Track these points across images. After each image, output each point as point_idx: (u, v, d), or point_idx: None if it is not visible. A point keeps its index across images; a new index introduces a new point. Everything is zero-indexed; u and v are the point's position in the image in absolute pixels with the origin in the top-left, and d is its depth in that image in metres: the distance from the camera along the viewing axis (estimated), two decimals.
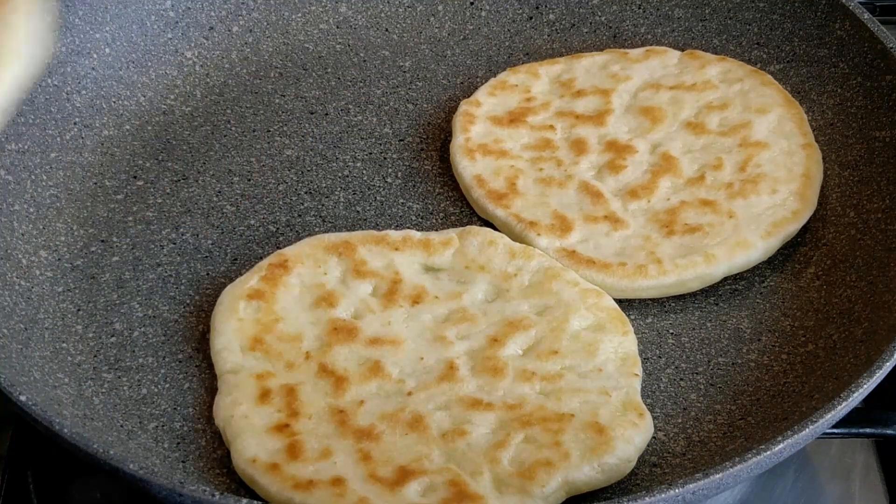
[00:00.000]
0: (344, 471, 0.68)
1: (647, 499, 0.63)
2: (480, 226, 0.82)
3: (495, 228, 0.83)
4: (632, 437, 0.70)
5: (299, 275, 0.78)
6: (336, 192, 0.86)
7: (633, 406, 0.71)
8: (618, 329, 0.75)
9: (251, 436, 0.69)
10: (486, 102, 0.90)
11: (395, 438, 0.69)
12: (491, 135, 0.88)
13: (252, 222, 0.85)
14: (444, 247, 0.80)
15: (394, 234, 0.80)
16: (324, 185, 0.87)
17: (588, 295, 0.77)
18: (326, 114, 0.91)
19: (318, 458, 0.68)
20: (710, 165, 0.85)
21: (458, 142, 0.87)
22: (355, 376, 0.72)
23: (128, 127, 0.90)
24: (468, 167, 0.86)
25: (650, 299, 0.80)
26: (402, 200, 0.86)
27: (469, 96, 0.91)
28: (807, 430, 0.66)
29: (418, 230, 0.81)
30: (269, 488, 0.67)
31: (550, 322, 0.75)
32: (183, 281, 0.81)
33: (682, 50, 0.94)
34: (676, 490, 0.64)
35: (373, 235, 0.81)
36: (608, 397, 0.72)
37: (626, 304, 0.79)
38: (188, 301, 0.79)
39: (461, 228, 0.81)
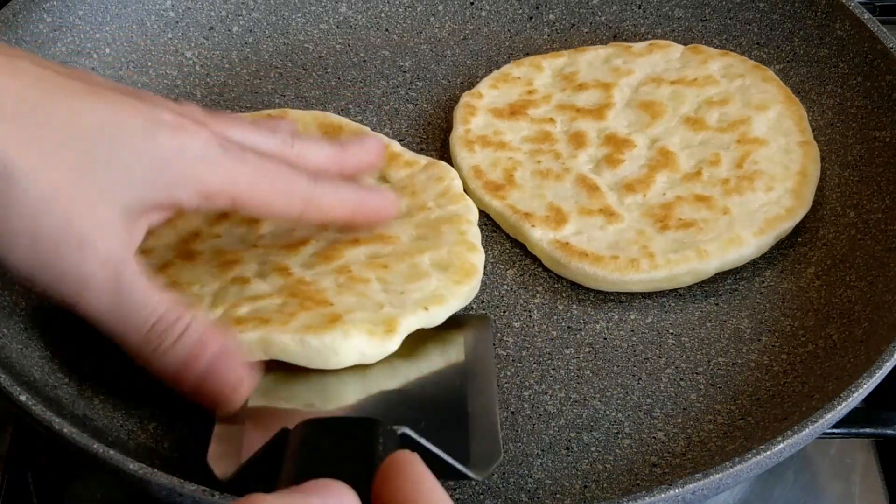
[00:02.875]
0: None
1: (647, 499, 0.63)
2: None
3: (492, 219, 0.83)
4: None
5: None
6: None
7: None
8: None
9: None
10: (488, 94, 0.91)
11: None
12: (491, 127, 0.88)
13: None
14: (406, 166, 0.82)
15: (381, 139, 0.83)
16: None
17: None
18: None
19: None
20: (707, 161, 0.85)
21: (457, 133, 0.88)
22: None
23: None
24: (466, 158, 0.86)
25: (650, 299, 0.80)
26: None
27: None
28: (807, 430, 0.66)
29: None
30: None
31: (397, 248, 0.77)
32: None
33: None
34: (676, 490, 0.64)
35: (360, 130, 0.84)
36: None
37: (626, 303, 0.79)
38: None
39: (434, 161, 0.82)
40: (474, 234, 0.78)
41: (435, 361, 0.72)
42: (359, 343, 0.69)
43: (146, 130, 0.64)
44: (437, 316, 0.73)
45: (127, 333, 0.65)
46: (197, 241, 0.77)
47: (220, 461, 0.65)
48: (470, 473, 0.63)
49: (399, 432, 0.59)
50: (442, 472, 0.60)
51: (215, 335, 0.66)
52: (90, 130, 0.63)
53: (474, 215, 0.79)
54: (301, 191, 0.69)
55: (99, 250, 0.63)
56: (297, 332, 0.69)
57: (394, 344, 0.70)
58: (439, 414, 0.68)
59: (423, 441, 0.60)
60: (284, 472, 0.55)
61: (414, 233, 0.77)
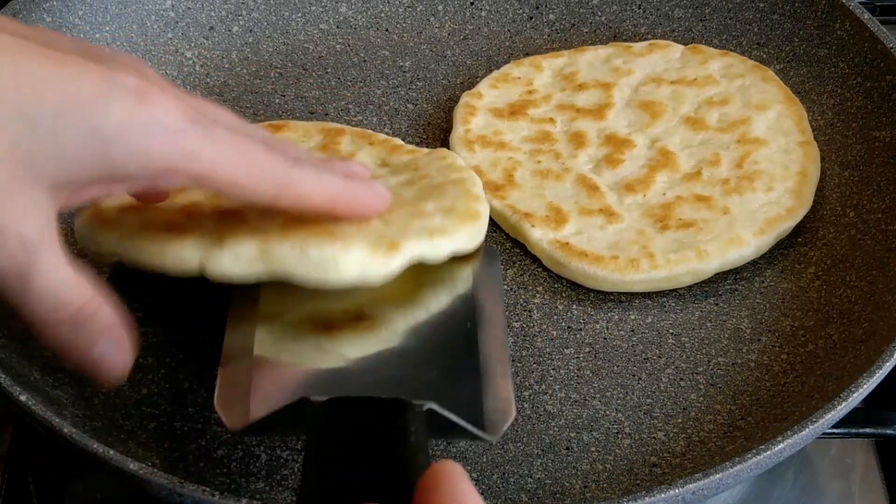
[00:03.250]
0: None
1: (647, 499, 0.63)
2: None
3: (492, 219, 0.83)
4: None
5: (284, 137, 0.83)
6: None
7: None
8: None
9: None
10: (488, 94, 0.91)
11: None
12: (491, 127, 0.88)
13: None
14: (409, 154, 0.81)
15: (379, 136, 0.83)
16: None
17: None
18: (326, 114, 0.91)
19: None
20: (707, 161, 0.85)
21: (457, 133, 0.88)
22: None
23: None
24: (466, 158, 0.86)
25: (650, 299, 0.80)
26: None
27: None
28: (807, 430, 0.66)
29: None
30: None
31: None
32: None
33: None
34: (676, 490, 0.64)
35: (362, 132, 0.84)
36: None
37: (626, 303, 0.79)
38: None
39: (437, 149, 0.82)
40: (479, 191, 0.75)
41: (443, 297, 0.70)
42: (360, 256, 0.65)
43: (95, 100, 0.59)
44: (440, 247, 0.69)
45: (28, 314, 0.61)
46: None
47: (229, 410, 0.63)
48: (486, 437, 0.62)
49: (425, 408, 0.58)
50: (457, 434, 0.60)
51: (113, 328, 0.63)
52: (31, 103, 0.58)
53: (479, 181, 0.77)
54: (276, 172, 0.63)
55: (9, 239, 0.58)
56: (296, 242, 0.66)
57: (396, 263, 0.66)
58: (450, 361, 0.66)
59: (447, 413, 0.60)
60: (311, 454, 0.54)
61: (416, 193, 0.75)
